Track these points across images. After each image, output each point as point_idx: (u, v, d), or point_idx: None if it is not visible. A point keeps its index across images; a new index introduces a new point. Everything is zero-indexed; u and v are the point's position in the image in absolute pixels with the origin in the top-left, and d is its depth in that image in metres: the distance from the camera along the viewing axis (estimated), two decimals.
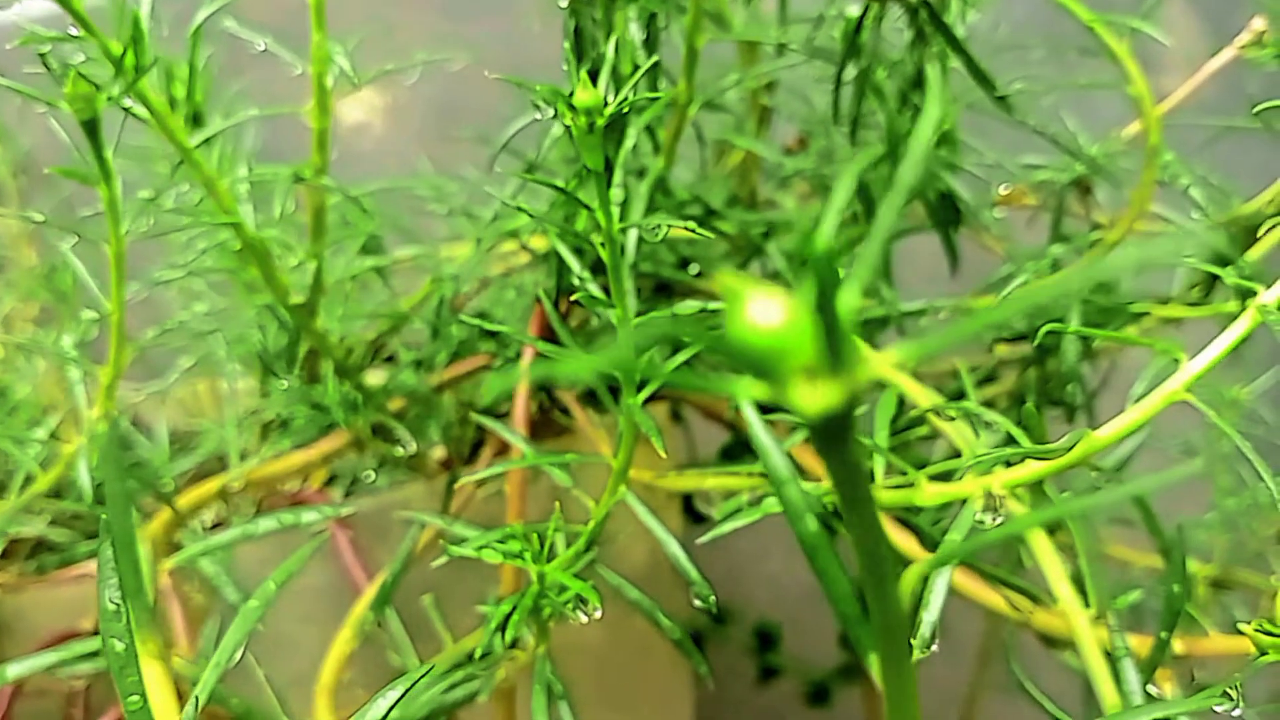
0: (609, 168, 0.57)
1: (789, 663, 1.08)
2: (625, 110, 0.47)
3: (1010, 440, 0.53)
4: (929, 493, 0.51)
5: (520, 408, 0.64)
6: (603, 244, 0.49)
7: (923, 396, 0.62)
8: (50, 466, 0.60)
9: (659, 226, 0.48)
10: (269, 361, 0.65)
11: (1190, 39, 0.99)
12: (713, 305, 0.62)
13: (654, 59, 0.50)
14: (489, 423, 0.60)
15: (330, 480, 0.79)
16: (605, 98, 0.47)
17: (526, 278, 0.73)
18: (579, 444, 0.71)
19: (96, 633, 0.72)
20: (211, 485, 0.64)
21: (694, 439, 0.97)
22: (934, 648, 0.45)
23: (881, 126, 0.65)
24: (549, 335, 0.70)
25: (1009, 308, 0.19)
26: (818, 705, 1.06)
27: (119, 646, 0.39)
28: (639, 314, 0.71)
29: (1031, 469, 0.47)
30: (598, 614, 0.51)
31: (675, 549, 0.53)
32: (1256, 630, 0.41)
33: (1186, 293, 0.67)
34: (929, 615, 0.45)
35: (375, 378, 0.70)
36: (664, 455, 0.64)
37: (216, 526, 0.68)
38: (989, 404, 0.75)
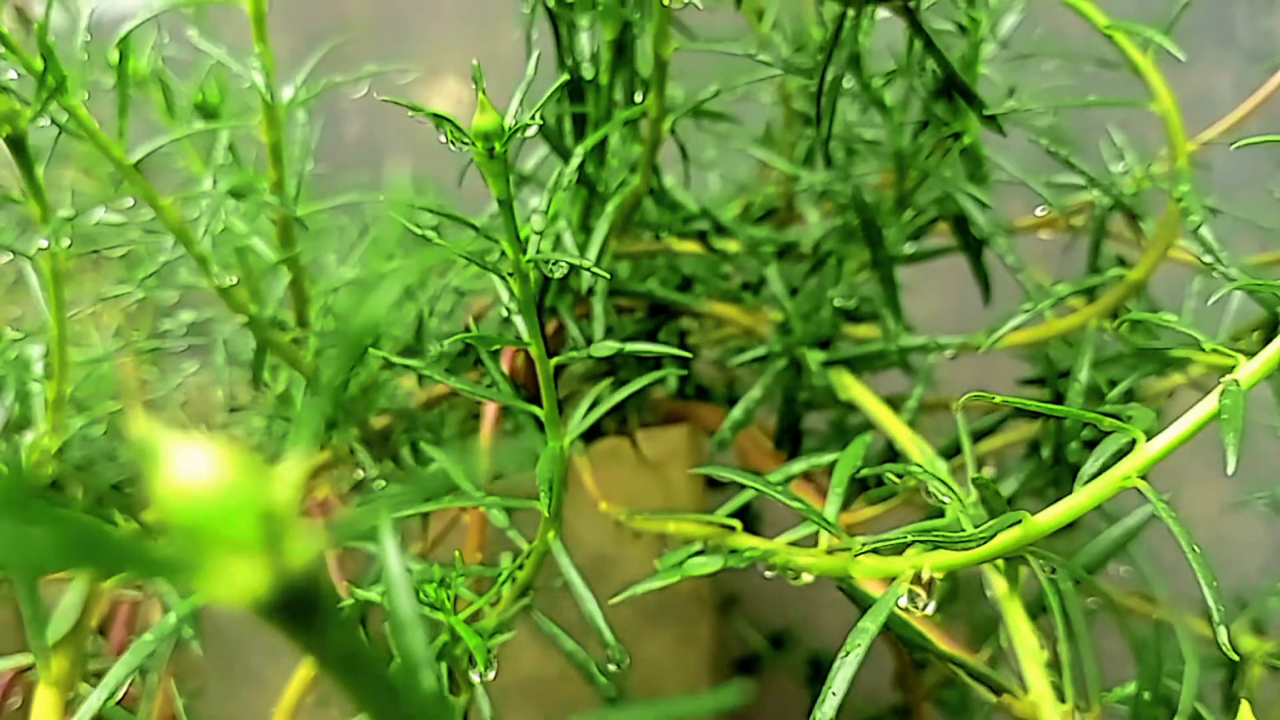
0: (586, 183, 0.53)
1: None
2: (518, 130, 0.43)
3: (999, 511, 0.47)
4: (863, 565, 0.45)
5: (487, 432, 0.61)
6: (510, 274, 0.45)
7: (912, 446, 0.56)
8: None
9: (558, 263, 0.44)
10: (253, 373, 0.64)
11: None
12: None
13: (563, 78, 0.45)
14: (434, 452, 0.58)
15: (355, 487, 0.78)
16: (508, 121, 0.43)
17: None
18: None
19: (97, 630, 0.73)
20: None
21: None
22: None
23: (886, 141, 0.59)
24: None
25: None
26: None
27: None
28: (630, 337, 0.67)
29: (966, 553, 0.41)
30: (491, 675, 0.47)
31: (592, 607, 0.49)
32: None
33: (1245, 336, 0.58)
34: (824, 712, 0.40)
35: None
36: (597, 496, 0.60)
37: None
38: (1026, 452, 0.67)
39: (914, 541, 0.41)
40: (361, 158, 1.30)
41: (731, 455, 0.87)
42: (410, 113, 0.43)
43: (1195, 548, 0.35)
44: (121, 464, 0.77)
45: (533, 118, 0.43)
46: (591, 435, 0.75)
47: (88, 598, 0.55)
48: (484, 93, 0.43)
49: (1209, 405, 0.37)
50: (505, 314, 0.49)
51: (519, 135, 0.43)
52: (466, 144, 0.43)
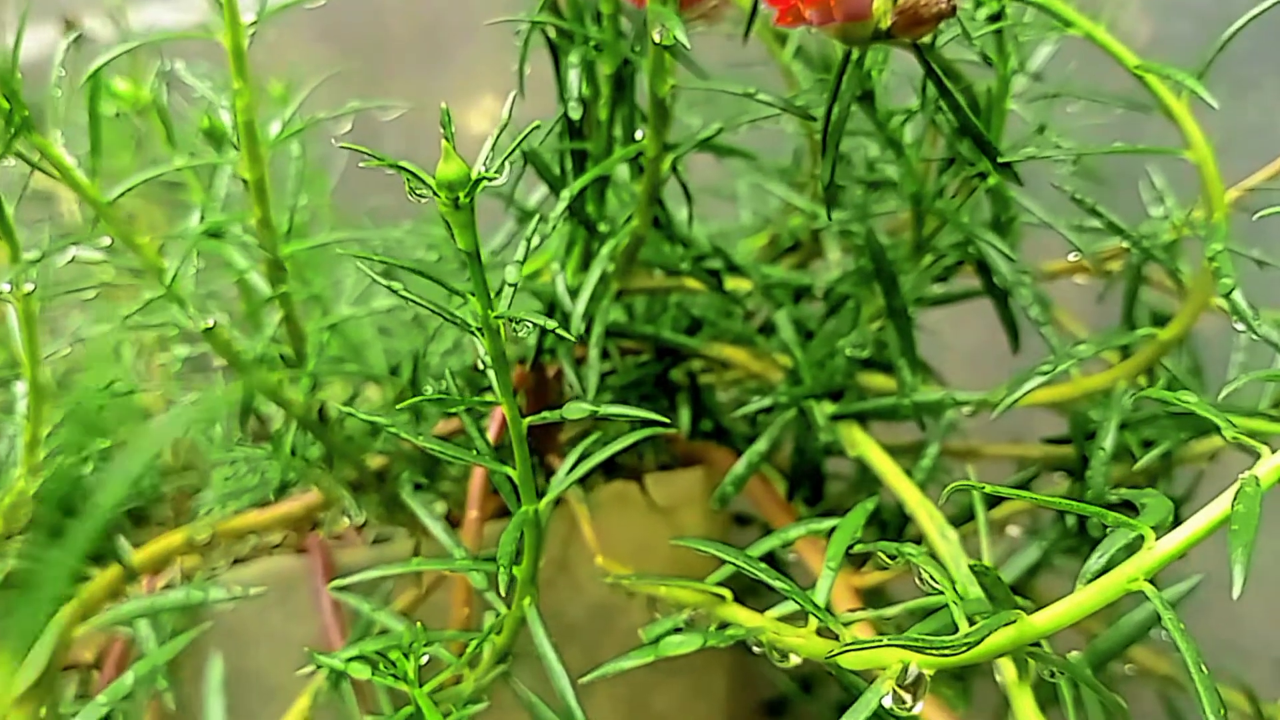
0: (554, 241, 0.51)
1: None
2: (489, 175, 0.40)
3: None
4: (850, 656, 0.42)
5: (477, 485, 0.58)
6: (479, 330, 0.42)
7: (921, 510, 0.53)
8: None
9: (522, 321, 0.41)
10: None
11: None
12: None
13: (537, 124, 0.43)
14: (412, 503, 0.55)
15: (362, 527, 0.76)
16: (473, 171, 0.41)
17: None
18: (556, 520, 0.65)
19: (91, 665, 0.72)
20: (175, 538, 0.63)
21: None
22: None
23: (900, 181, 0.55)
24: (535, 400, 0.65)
25: None
26: None
27: None
28: (636, 381, 0.64)
29: (956, 657, 0.38)
30: None
31: (564, 683, 0.46)
32: None
33: None
34: None
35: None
36: (595, 548, 0.57)
37: (187, 580, 0.66)
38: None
39: (892, 645, 0.37)
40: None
41: (745, 502, 0.83)
42: (370, 162, 0.41)
43: (1203, 668, 0.31)
44: (140, 490, 0.76)
45: (500, 168, 0.41)
46: (609, 472, 0.72)
47: (59, 643, 0.53)
48: (448, 140, 0.40)
49: (1223, 506, 0.33)
50: (480, 366, 0.46)
51: (486, 184, 0.40)
52: (425, 197, 0.40)
